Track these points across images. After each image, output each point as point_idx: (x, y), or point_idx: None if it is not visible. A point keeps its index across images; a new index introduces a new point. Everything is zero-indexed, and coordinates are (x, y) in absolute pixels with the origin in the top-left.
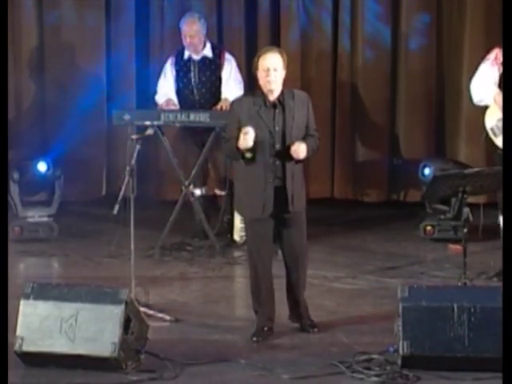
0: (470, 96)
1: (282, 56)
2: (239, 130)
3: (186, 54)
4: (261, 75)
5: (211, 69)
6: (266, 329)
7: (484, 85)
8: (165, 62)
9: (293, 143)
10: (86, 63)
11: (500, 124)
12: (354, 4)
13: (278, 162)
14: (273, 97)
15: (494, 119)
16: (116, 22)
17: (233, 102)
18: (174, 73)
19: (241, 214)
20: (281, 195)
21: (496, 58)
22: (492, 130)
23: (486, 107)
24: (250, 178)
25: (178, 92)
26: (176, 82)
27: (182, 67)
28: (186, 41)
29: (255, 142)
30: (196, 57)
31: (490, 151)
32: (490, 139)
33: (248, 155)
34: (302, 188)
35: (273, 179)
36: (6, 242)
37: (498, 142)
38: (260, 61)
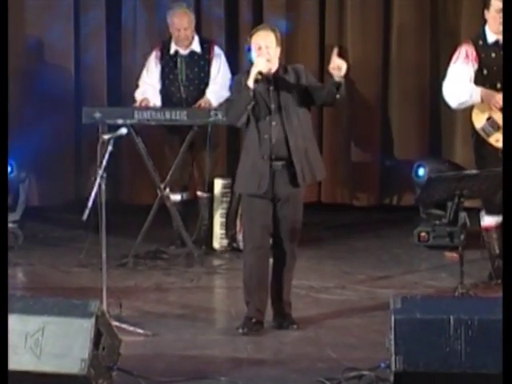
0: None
1: (275, 33)
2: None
3: (173, 49)
4: (254, 54)
5: (199, 65)
6: (253, 320)
7: (462, 86)
8: (148, 55)
9: (290, 123)
10: (53, 59)
11: (490, 122)
12: None
13: (274, 140)
14: (268, 73)
15: (482, 119)
16: (86, 16)
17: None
18: (159, 68)
19: (237, 190)
20: (284, 174)
21: (467, 55)
22: (483, 130)
23: (469, 110)
24: (249, 155)
25: (164, 89)
26: (161, 78)
27: (168, 62)
28: (180, 34)
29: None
30: (183, 51)
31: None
32: (481, 141)
33: (258, 76)
34: (316, 157)
35: (268, 157)
36: (5, 243)
37: (492, 140)
38: (253, 39)
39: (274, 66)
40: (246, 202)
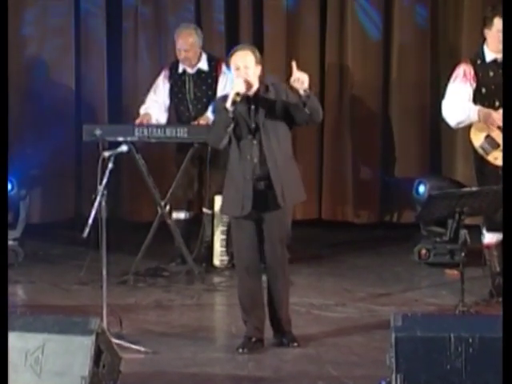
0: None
1: (254, 53)
2: None
3: (181, 68)
4: (233, 74)
5: (207, 83)
6: (253, 340)
7: (461, 105)
8: (157, 75)
9: (269, 144)
10: (53, 76)
11: (489, 140)
12: (342, 11)
13: (255, 160)
14: (248, 93)
15: (481, 137)
16: (87, 31)
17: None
18: (168, 87)
19: (222, 212)
20: (266, 193)
21: (465, 74)
22: (482, 148)
23: (468, 127)
24: (232, 176)
25: (174, 108)
26: (170, 97)
27: (177, 81)
28: (181, 55)
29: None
30: (191, 70)
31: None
32: (481, 159)
33: (237, 98)
34: (297, 180)
35: (253, 177)
36: (5, 260)
37: (491, 158)
38: (232, 59)
39: (254, 85)
40: (232, 224)
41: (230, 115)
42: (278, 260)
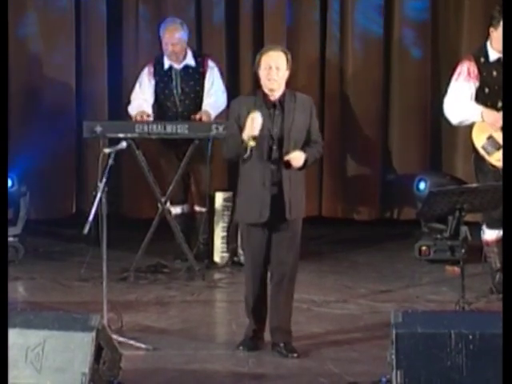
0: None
1: (286, 56)
2: (240, 128)
3: (167, 63)
4: (262, 73)
5: (195, 78)
6: (254, 338)
7: (463, 104)
8: (141, 70)
9: (289, 151)
10: (54, 72)
11: (491, 141)
12: (343, 9)
13: (273, 166)
14: (273, 97)
15: (483, 137)
16: (87, 29)
17: (233, 102)
18: (153, 83)
19: (238, 219)
20: (277, 202)
21: (469, 73)
22: (484, 148)
23: (470, 125)
24: (249, 182)
25: (160, 104)
26: (156, 93)
27: (163, 77)
28: (168, 49)
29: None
30: (177, 66)
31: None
32: (481, 158)
33: (252, 143)
34: (302, 195)
35: (270, 184)
36: (5, 256)
37: (493, 159)
38: (263, 58)
39: (279, 88)
40: (245, 229)
41: (248, 153)
42: (285, 269)
